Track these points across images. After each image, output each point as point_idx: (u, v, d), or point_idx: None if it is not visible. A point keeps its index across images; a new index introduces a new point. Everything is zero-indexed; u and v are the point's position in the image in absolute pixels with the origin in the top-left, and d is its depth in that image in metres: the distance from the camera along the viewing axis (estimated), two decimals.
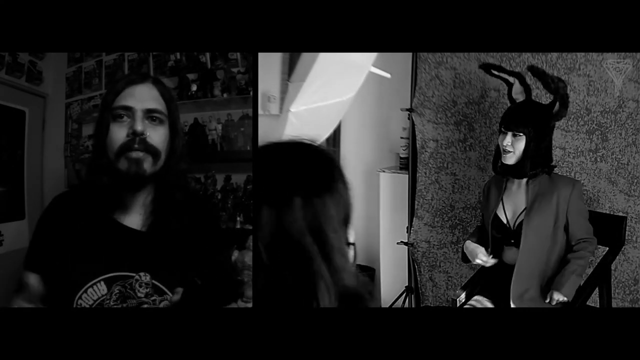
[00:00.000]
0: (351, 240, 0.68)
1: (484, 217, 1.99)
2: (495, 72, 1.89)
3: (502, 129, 1.78)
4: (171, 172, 1.06)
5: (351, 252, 0.67)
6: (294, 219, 0.59)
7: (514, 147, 1.75)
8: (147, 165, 1.02)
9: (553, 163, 1.84)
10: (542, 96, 1.95)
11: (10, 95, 2.05)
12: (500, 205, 1.88)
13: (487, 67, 1.91)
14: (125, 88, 1.02)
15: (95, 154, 1.06)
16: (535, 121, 1.73)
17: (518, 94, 1.85)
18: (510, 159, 1.76)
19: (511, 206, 1.87)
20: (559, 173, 2.01)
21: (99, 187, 1.01)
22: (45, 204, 1.14)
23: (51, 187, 2.16)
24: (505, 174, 1.84)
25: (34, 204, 2.05)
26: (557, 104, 1.72)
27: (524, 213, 1.81)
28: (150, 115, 1.03)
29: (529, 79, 1.82)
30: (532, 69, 1.77)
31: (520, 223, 1.81)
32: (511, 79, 1.86)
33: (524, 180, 1.81)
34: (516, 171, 1.79)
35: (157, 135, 1.03)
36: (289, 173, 0.63)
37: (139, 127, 1.00)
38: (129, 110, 1.01)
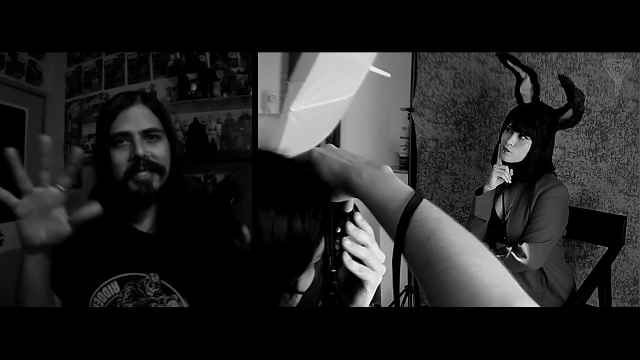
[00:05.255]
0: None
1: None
2: (510, 64, 1.88)
3: (509, 127, 1.75)
4: (175, 180, 1.09)
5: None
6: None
7: (517, 149, 1.72)
8: (156, 183, 1.05)
9: (553, 166, 1.84)
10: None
11: (10, 95, 2.05)
12: (500, 199, 1.87)
13: (503, 58, 1.90)
14: (117, 114, 1.05)
15: (99, 180, 1.09)
16: (545, 126, 1.70)
17: (527, 90, 1.85)
18: (509, 158, 1.75)
19: (507, 202, 1.86)
20: (559, 174, 2.01)
21: (107, 210, 1.04)
22: None
23: None
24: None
25: None
26: (573, 116, 1.72)
27: (511, 210, 1.82)
28: (148, 135, 1.05)
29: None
30: (563, 79, 1.75)
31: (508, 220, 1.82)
32: (523, 74, 1.85)
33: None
34: (520, 174, 1.78)
35: (159, 152, 1.06)
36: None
37: (140, 151, 1.02)
38: (126, 135, 1.04)
